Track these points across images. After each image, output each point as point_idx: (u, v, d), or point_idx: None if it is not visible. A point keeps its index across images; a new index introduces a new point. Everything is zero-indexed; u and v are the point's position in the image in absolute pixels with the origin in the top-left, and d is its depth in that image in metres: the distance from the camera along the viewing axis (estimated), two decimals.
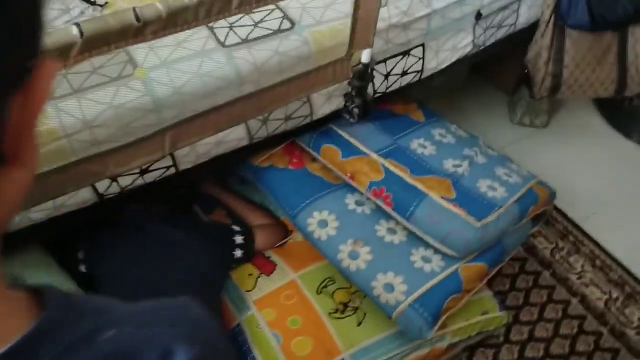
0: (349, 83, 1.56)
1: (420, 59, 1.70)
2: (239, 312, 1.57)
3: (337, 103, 1.62)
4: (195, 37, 1.40)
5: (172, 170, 1.46)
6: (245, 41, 1.41)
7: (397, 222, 1.57)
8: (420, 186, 1.57)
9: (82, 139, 1.25)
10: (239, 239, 1.61)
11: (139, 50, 1.36)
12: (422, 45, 1.68)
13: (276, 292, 1.58)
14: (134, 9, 1.09)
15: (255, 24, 1.45)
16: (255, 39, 1.41)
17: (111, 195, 1.40)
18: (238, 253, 1.60)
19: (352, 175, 1.63)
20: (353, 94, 1.57)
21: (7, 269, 0.43)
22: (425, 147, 1.74)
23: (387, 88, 1.70)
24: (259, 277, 1.62)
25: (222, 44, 1.39)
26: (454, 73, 1.88)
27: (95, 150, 1.27)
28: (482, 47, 1.84)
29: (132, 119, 1.29)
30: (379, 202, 1.59)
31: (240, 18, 1.46)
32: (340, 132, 1.70)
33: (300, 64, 1.44)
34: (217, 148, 1.48)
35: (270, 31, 1.43)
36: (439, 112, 1.96)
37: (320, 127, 1.71)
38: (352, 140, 1.68)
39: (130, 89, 1.29)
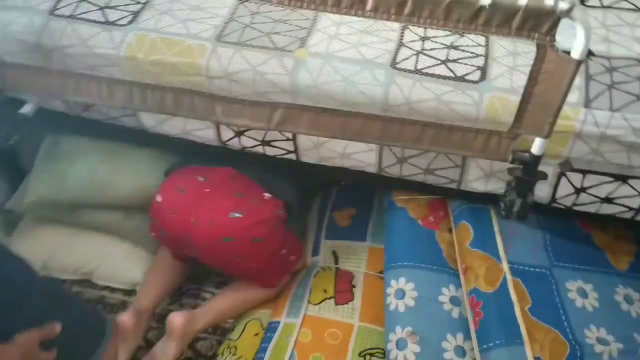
0: (509, 170, 1.28)
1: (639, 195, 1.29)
2: (288, 313, 1.52)
3: (496, 186, 1.35)
4: (377, 46, 1.32)
5: (293, 156, 1.44)
6: (416, 72, 1.26)
7: (472, 347, 1.27)
8: (523, 329, 1.23)
9: (220, 86, 1.32)
10: None
11: (318, 34, 1.35)
12: None
13: (327, 323, 1.47)
14: None
15: (444, 61, 1.29)
16: (427, 75, 1.26)
17: (231, 147, 1.47)
18: None
19: (465, 269, 1.37)
20: (512, 185, 1.28)
21: None
22: (585, 297, 1.34)
23: (574, 205, 1.34)
24: (329, 298, 1.53)
25: (394, 64, 1.28)
26: None
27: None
28: None
29: (267, 89, 1.30)
30: (469, 314, 1.31)
31: (433, 49, 1.31)
32: (493, 218, 1.43)
33: (455, 120, 1.24)
34: (341, 160, 1.40)
35: (451, 75, 1.25)
36: None
37: (478, 202, 1.46)
38: (497, 233, 1.40)
39: (280, 64, 1.29)
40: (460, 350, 1.29)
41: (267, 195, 1.53)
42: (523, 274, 1.34)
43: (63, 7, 1.42)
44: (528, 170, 1.24)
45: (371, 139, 1.31)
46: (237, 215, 1.46)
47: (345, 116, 1.27)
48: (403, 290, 1.38)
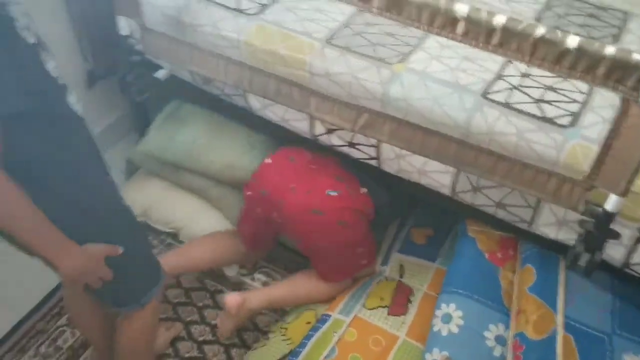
0: (580, 222, 1.23)
1: None
2: (341, 310, 1.58)
3: (567, 236, 1.31)
4: (475, 74, 1.34)
5: (375, 162, 1.50)
6: (505, 105, 1.27)
7: None
8: None
9: (319, 83, 1.42)
10: None
11: (421, 53, 1.40)
12: None
13: (375, 329, 1.51)
14: None
15: (537, 100, 1.28)
16: (516, 110, 1.26)
17: (321, 142, 1.56)
18: None
19: (518, 311, 1.34)
20: (582, 237, 1.24)
21: None
22: None
23: None
24: (384, 307, 1.56)
25: (485, 94, 1.29)
26: None
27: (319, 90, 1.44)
28: None
29: (359, 94, 1.37)
30: (509, 355, 1.28)
31: (531, 86, 1.31)
32: (561, 268, 1.38)
33: (532, 159, 1.22)
34: (419, 175, 1.43)
35: (540, 114, 1.24)
36: None
37: (550, 249, 1.42)
38: (560, 284, 1.35)
39: (377, 73, 1.36)
40: None
41: (363, 190, 1.61)
42: (578, 332, 1.29)
43: None
44: (599, 226, 1.19)
45: (447, 161, 1.34)
46: (333, 193, 1.55)
47: (425, 133, 1.31)
48: (451, 315, 1.39)
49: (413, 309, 1.57)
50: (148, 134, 1.87)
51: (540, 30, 0.98)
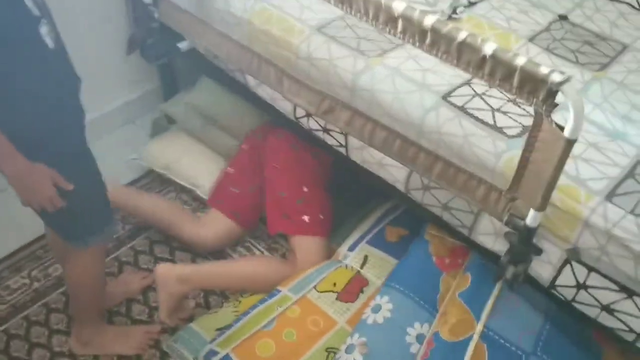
0: (506, 234, 1.24)
1: None
2: (291, 288, 1.64)
3: (503, 248, 1.31)
4: (446, 78, 1.39)
5: (343, 150, 1.56)
6: (461, 109, 1.31)
7: None
8: None
9: (301, 66, 1.51)
10: None
11: (402, 51, 1.47)
12: None
13: (316, 311, 1.56)
14: None
15: (494, 109, 1.30)
16: (469, 115, 1.30)
17: (302, 125, 1.65)
18: None
19: (443, 313, 1.36)
20: (509, 250, 1.25)
21: None
22: None
23: (574, 300, 1.25)
24: (334, 292, 1.62)
25: (446, 96, 1.34)
26: None
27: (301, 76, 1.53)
28: None
29: (334, 81, 1.45)
30: (420, 351, 1.31)
31: (494, 96, 1.33)
32: (499, 282, 1.38)
33: (472, 163, 1.25)
34: (378, 168, 1.48)
35: (491, 122, 1.27)
36: None
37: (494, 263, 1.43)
38: (492, 296, 1.36)
39: (353, 63, 1.44)
40: None
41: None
42: (494, 344, 1.30)
43: None
44: (522, 239, 1.20)
45: (392, 154, 1.39)
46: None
47: (374, 123, 1.37)
48: (381, 306, 1.43)
49: (362, 299, 1.60)
50: (193, 91, 2.07)
51: (462, 35, 1.02)
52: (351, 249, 1.79)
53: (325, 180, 1.88)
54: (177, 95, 2.19)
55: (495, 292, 1.38)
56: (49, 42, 1.15)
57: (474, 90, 1.35)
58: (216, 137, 2.07)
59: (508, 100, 1.33)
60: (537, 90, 0.98)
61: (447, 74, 1.39)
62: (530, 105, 1.01)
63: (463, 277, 1.44)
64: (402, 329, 1.39)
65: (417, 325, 1.40)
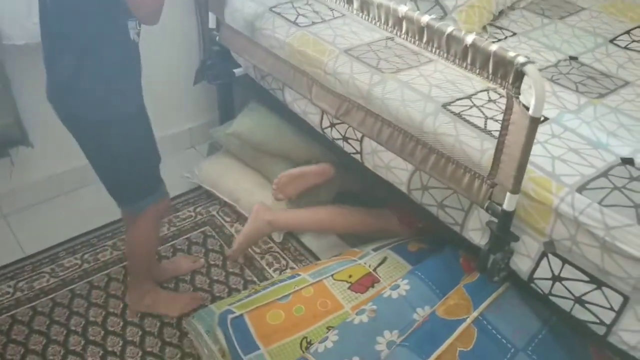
0: (487, 222, 1.34)
1: (612, 311, 1.22)
2: (312, 274, 1.77)
3: (487, 241, 1.41)
4: (448, 92, 1.56)
5: (358, 157, 1.73)
6: (458, 115, 1.47)
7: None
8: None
9: (328, 79, 1.73)
10: None
11: (415, 71, 1.66)
12: (626, 299, 1.19)
13: (328, 295, 1.68)
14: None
15: (487, 118, 1.46)
16: (464, 120, 1.45)
17: (326, 135, 1.84)
18: None
19: (445, 299, 1.48)
20: (489, 239, 1.35)
21: None
22: None
23: (550, 294, 1.32)
24: (348, 282, 1.73)
25: (445, 105, 1.51)
26: None
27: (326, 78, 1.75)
28: None
29: (352, 92, 1.65)
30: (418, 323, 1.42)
31: (490, 108, 1.49)
32: (504, 285, 1.47)
33: (460, 158, 1.39)
34: (386, 172, 1.64)
35: (482, 126, 1.42)
36: None
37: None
38: (495, 293, 1.46)
39: (370, 77, 1.64)
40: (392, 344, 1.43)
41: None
42: (485, 331, 1.37)
43: (283, 4, 2.04)
44: (500, 226, 1.31)
45: (394, 149, 1.55)
46: None
47: (382, 123, 1.56)
48: (399, 286, 1.57)
49: (371, 293, 1.71)
50: (237, 119, 2.29)
51: (449, 29, 1.21)
52: (375, 249, 1.91)
53: None
54: (227, 122, 2.45)
55: (499, 290, 1.47)
56: (132, 35, 1.43)
57: (473, 103, 1.52)
58: (255, 158, 2.29)
59: (501, 112, 1.47)
60: (507, 74, 1.14)
61: (452, 90, 1.57)
62: (504, 89, 1.17)
63: (473, 275, 1.53)
64: (411, 307, 1.52)
65: (427, 308, 1.52)
